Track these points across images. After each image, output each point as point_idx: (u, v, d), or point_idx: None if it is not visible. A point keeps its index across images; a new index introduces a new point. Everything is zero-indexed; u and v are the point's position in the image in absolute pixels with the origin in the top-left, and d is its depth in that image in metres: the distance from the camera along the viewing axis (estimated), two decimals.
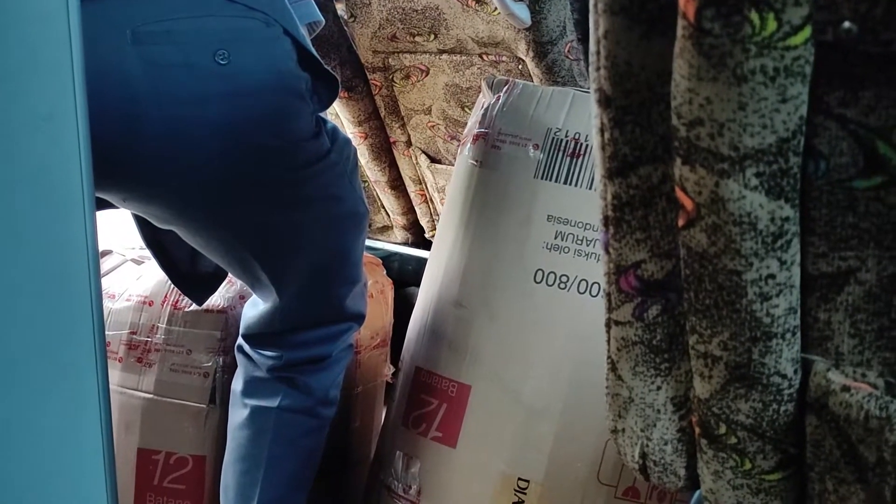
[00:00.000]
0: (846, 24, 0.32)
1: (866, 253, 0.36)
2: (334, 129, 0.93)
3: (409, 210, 1.70)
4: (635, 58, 0.38)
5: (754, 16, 0.32)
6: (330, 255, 0.94)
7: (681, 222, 0.39)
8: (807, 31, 0.33)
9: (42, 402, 0.52)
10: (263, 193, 0.86)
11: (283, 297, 0.93)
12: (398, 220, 1.73)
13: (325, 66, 0.88)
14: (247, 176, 0.84)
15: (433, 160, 1.57)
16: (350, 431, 1.20)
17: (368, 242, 1.71)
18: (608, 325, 0.47)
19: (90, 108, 0.76)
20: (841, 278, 0.38)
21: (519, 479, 0.89)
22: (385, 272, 1.34)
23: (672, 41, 0.35)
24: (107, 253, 1.23)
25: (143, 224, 0.97)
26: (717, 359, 0.42)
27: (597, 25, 0.39)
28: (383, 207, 1.74)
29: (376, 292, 1.24)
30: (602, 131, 0.41)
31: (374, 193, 1.72)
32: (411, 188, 1.65)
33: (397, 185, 1.66)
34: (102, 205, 0.90)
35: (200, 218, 0.87)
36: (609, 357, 0.48)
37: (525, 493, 0.89)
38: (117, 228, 1.23)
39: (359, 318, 1.01)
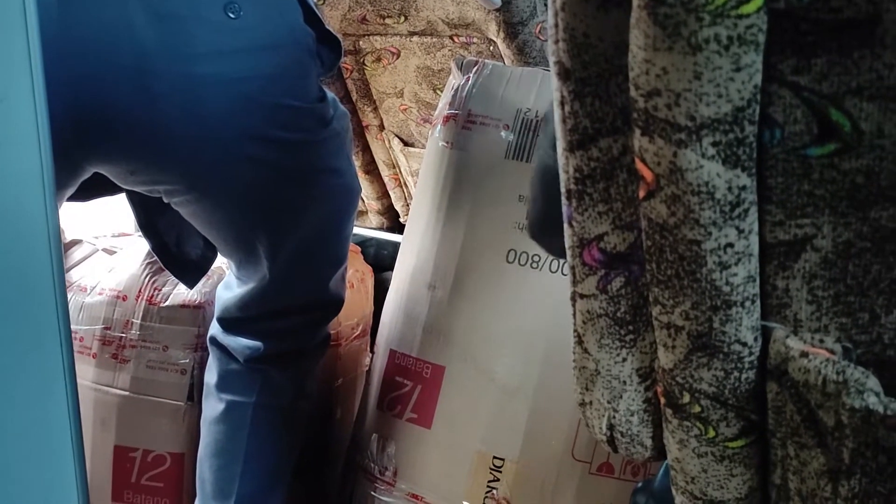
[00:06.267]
0: None
1: (821, 220, 0.37)
2: (335, 100, 0.91)
3: (383, 195, 1.69)
4: (593, 29, 0.38)
5: None
6: (324, 229, 0.93)
7: (641, 194, 0.40)
8: (760, 0, 0.33)
9: (4, 390, 0.51)
10: (272, 158, 0.83)
11: (273, 273, 0.91)
12: (373, 204, 1.73)
13: (327, 26, 0.85)
14: (258, 138, 0.81)
15: (406, 144, 1.56)
16: (331, 424, 1.19)
17: None
18: (573, 299, 0.47)
19: (95, 67, 0.74)
20: (797, 246, 0.38)
21: (494, 457, 0.90)
22: (363, 259, 1.33)
23: (628, 12, 0.36)
24: (77, 242, 1.21)
25: (137, 206, 0.95)
26: (680, 329, 0.42)
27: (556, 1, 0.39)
28: None
29: (356, 281, 1.24)
30: (562, 104, 0.41)
31: None
32: (385, 172, 1.65)
33: (371, 169, 1.65)
34: (98, 191, 0.88)
35: (209, 186, 0.83)
36: (575, 330, 0.48)
37: (500, 471, 0.90)
38: (87, 217, 1.21)
39: (338, 304, 1.01)
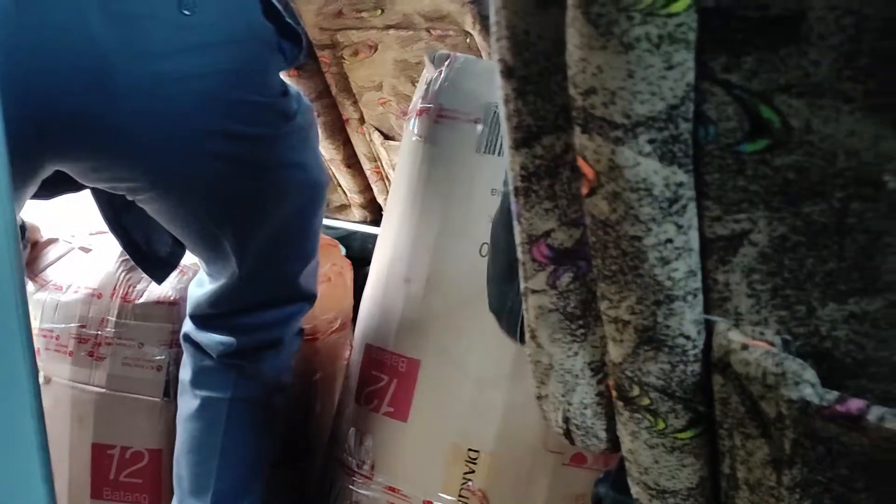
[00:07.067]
0: None
1: (757, 215, 0.37)
2: (299, 94, 0.91)
3: (365, 188, 1.70)
4: (533, 27, 0.38)
5: None
6: (291, 224, 0.93)
7: (584, 190, 0.40)
8: None
9: None
10: (235, 152, 0.83)
11: (242, 269, 0.92)
12: (355, 198, 1.73)
13: (288, 20, 0.85)
14: (219, 133, 0.81)
15: (386, 137, 1.56)
16: (311, 417, 1.20)
17: (329, 222, 1.71)
18: (525, 294, 0.47)
19: (54, 69, 0.74)
20: (735, 240, 0.39)
21: (469, 449, 0.91)
22: (342, 253, 1.33)
23: (566, 9, 0.36)
24: (53, 241, 1.21)
25: (104, 204, 0.95)
26: (627, 323, 0.43)
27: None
28: (340, 186, 1.73)
29: (334, 275, 1.24)
30: (507, 102, 0.41)
31: (331, 172, 1.71)
32: (367, 166, 1.65)
33: (352, 163, 1.65)
34: (62, 188, 0.88)
35: (172, 183, 0.83)
36: (529, 325, 0.49)
37: (476, 463, 0.91)
38: (62, 215, 1.21)
39: (310, 298, 1.01)
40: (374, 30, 1.38)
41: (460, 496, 0.90)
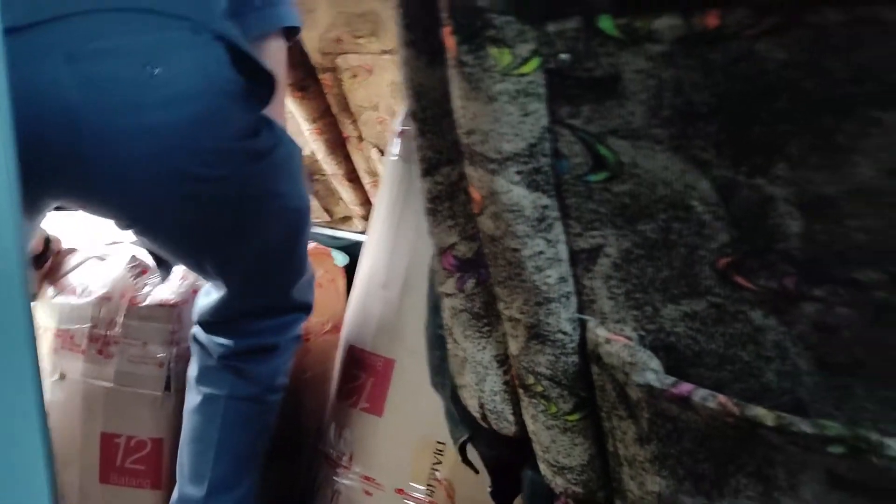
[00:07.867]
0: (563, 55, 0.41)
1: (607, 232, 0.46)
2: (282, 130, 1.00)
3: (365, 201, 1.79)
4: (425, 80, 0.47)
5: (494, 51, 0.42)
6: (274, 247, 1.02)
7: (475, 211, 0.49)
8: (535, 62, 0.42)
9: None
10: (204, 192, 0.93)
11: (230, 287, 1.03)
12: (356, 210, 1.83)
13: (261, 65, 0.94)
14: (186, 176, 0.91)
15: (384, 154, 1.66)
16: (301, 414, 1.29)
17: (332, 232, 1.81)
18: (441, 298, 0.56)
19: (33, 130, 0.85)
20: (594, 252, 0.47)
21: (437, 442, 0.99)
22: (341, 263, 1.43)
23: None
24: (72, 251, 1.32)
25: None
26: (518, 321, 0.51)
27: (399, 55, 0.48)
28: (342, 199, 1.84)
29: (326, 282, 1.33)
30: (414, 139, 0.50)
31: (333, 186, 1.81)
32: (366, 180, 1.75)
33: (353, 177, 1.75)
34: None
35: (147, 221, 0.95)
36: (446, 324, 0.57)
37: (443, 455, 0.99)
38: (81, 227, 1.32)
39: (306, 309, 1.10)
40: (370, 54, 1.48)
41: (428, 485, 0.99)
